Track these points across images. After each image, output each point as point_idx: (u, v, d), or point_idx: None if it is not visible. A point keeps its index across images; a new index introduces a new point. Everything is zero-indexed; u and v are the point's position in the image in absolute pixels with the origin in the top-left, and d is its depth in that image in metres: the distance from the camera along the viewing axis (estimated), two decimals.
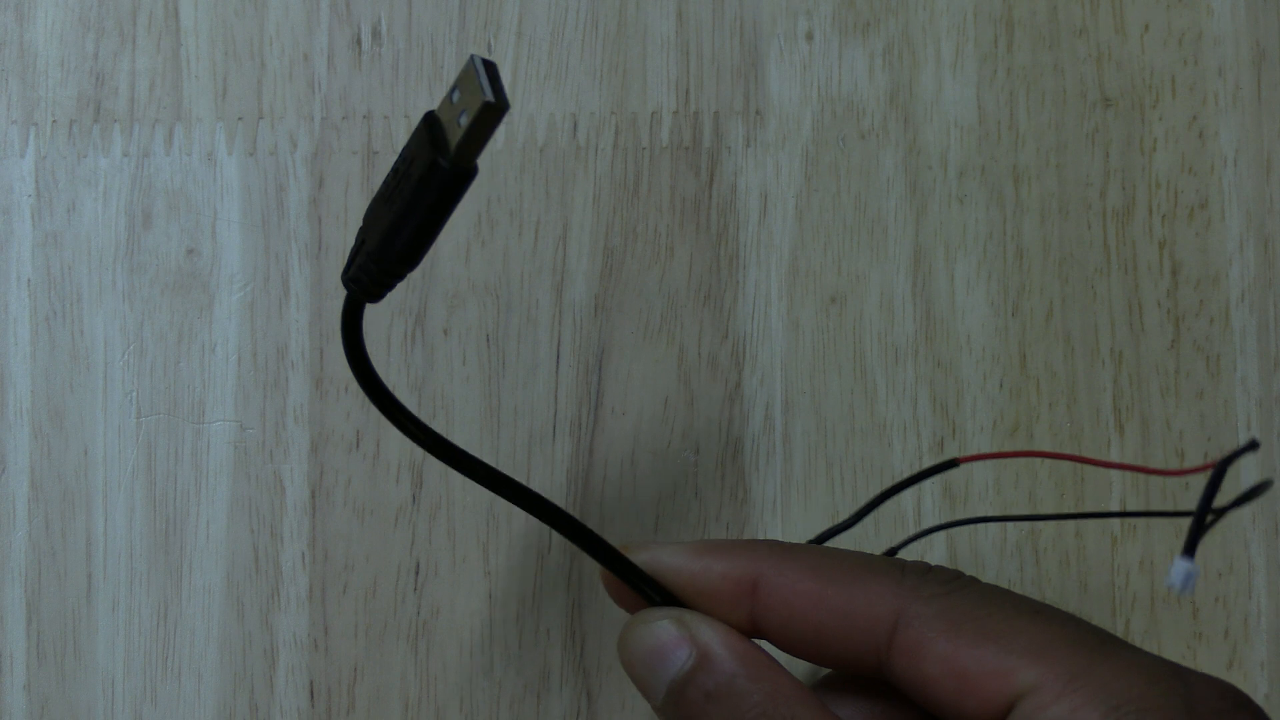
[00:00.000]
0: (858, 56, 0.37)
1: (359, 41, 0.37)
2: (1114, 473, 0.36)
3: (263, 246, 0.36)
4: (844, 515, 0.36)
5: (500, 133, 0.37)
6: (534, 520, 0.35)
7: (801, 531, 0.36)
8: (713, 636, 0.29)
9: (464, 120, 0.27)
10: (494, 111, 0.26)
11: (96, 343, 0.36)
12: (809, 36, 0.37)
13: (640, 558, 0.30)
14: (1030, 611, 0.28)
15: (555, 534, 0.35)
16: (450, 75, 0.37)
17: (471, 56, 0.26)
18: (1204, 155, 0.37)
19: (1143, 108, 0.37)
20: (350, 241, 0.36)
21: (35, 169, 0.36)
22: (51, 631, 0.35)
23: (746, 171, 0.37)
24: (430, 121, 0.27)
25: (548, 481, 0.36)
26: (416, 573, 0.35)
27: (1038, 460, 0.36)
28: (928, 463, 0.36)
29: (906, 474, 0.36)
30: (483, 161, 0.37)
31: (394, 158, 0.37)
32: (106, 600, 0.35)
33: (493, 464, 0.36)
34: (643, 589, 0.29)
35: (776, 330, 0.36)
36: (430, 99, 0.37)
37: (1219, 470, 0.26)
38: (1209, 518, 0.26)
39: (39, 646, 0.35)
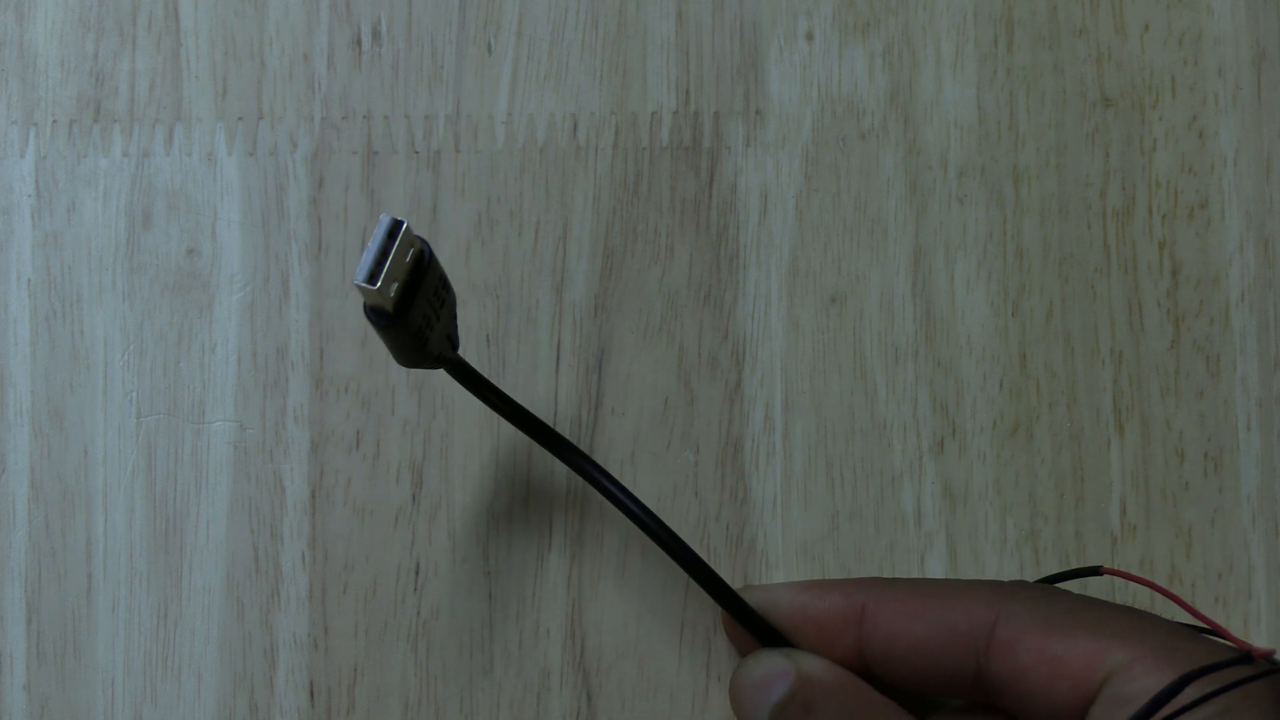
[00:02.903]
0: (858, 56, 0.37)
1: (359, 41, 0.37)
2: (1114, 475, 0.36)
3: (263, 246, 0.36)
4: (844, 515, 0.36)
5: (500, 132, 0.37)
6: (534, 520, 0.36)
7: (801, 531, 0.36)
8: (815, 664, 0.31)
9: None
10: (362, 291, 0.29)
11: (96, 343, 0.36)
12: (809, 36, 0.37)
13: (753, 598, 0.33)
14: (1123, 609, 0.29)
15: (555, 534, 0.35)
16: (450, 75, 0.37)
17: (381, 219, 0.29)
18: (1204, 155, 0.37)
19: (1143, 108, 0.37)
20: (350, 241, 0.36)
21: (35, 169, 0.36)
22: (51, 631, 0.35)
23: (746, 171, 0.37)
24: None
25: (548, 482, 0.36)
26: (416, 573, 0.35)
27: (1037, 461, 0.36)
28: (928, 463, 0.36)
29: (906, 474, 0.36)
30: (483, 161, 0.37)
31: (394, 157, 0.37)
32: (106, 600, 0.35)
33: (492, 465, 0.36)
34: (754, 628, 0.32)
35: (776, 330, 0.36)
36: (430, 99, 0.37)
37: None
38: None
39: (39, 646, 0.35)
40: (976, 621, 0.30)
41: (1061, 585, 0.33)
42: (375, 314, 0.29)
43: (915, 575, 0.35)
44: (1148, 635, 0.28)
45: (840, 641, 0.32)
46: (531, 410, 0.36)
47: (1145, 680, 0.27)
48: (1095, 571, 0.34)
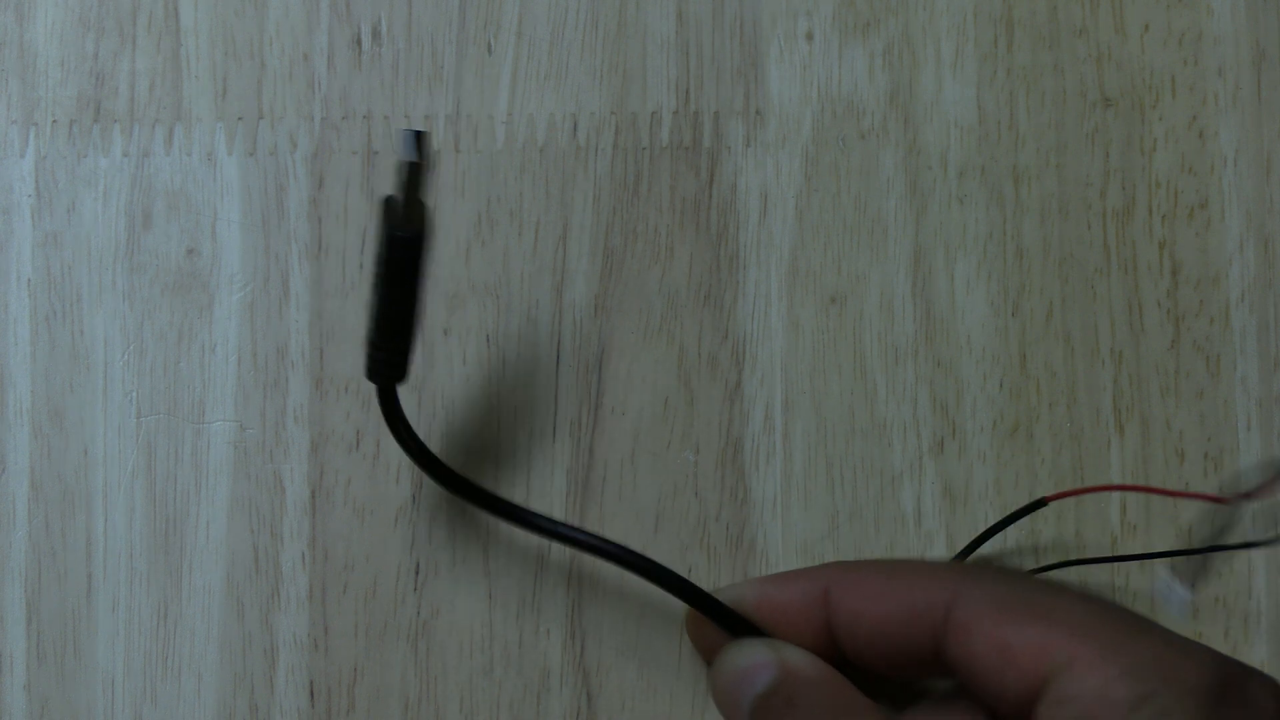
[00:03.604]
0: (858, 56, 0.37)
1: (359, 41, 0.37)
2: (1114, 475, 0.36)
3: (263, 246, 0.36)
4: (844, 515, 0.36)
5: (500, 132, 0.37)
6: None
7: (801, 532, 0.36)
8: (799, 657, 0.31)
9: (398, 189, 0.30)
10: (414, 169, 0.29)
11: (96, 343, 0.36)
12: (809, 36, 0.37)
13: (721, 597, 0.33)
14: (1079, 597, 0.29)
15: None
16: (450, 75, 0.37)
17: (401, 131, 0.28)
18: (1204, 155, 0.37)
19: (1143, 108, 0.37)
20: (350, 241, 0.36)
21: (35, 169, 0.36)
22: (51, 631, 0.35)
23: (746, 171, 0.37)
24: (385, 203, 0.30)
25: (547, 481, 0.36)
26: (416, 573, 0.35)
27: (1037, 461, 0.36)
28: (928, 463, 0.36)
29: (906, 474, 0.36)
30: (483, 161, 0.37)
31: (394, 157, 0.37)
32: (106, 600, 0.35)
33: (493, 464, 0.36)
34: (727, 622, 0.32)
35: (776, 330, 0.36)
36: (430, 99, 0.37)
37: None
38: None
39: (39, 646, 0.35)
40: (934, 602, 0.30)
41: (1018, 520, 0.33)
42: (407, 223, 0.29)
43: None
44: (1097, 629, 0.28)
45: (809, 627, 0.31)
46: (529, 409, 0.36)
47: (1087, 680, 0.27)
48: (1042, 504, 0.34)
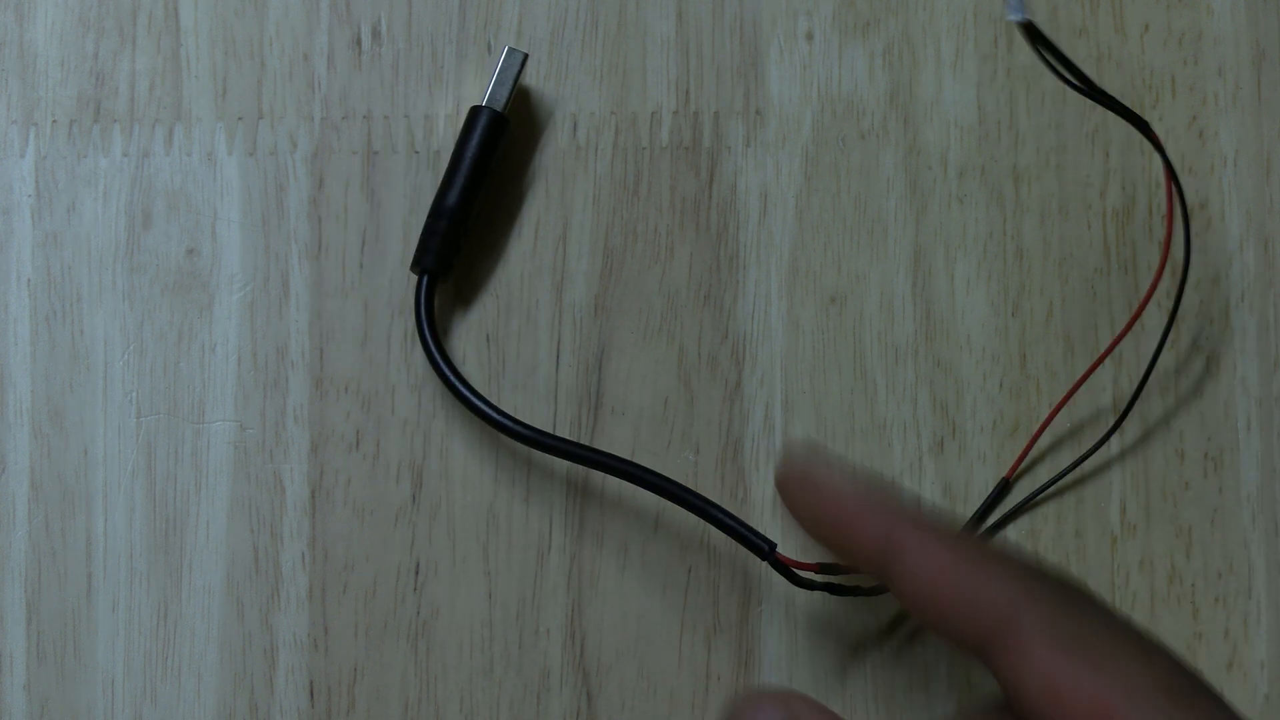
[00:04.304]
0: (858, 56, 0.37)
1: (359, 41, 0.37)
2: (1114, 475, 0.36)
3: (263, 246, 0.36)
4: None
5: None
6: (534, 520, 0.36)
7: (802, 531, 0.36)
8: (807, 713, 0.30)
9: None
10: (514, 55, 0.35)
11: (96, 343, 0.36)
12: (809, 36, 0.37)
13: (810, 473, 0.31)
14: (1140, 644, 0.28)
15: (555, 534, 0.35)
16: (450, 75, 0.37)
17: (508, 50, 0.36)
18: (1204, 155, 0.37)
19: (1143, 108, 0.37)
20: (350, 241, 0.36)
21: (35, 169, 0.36)
22: (51, 631, 0.35)
23: (746, 171, 0.37)
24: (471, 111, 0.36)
25: (547, 480, 0.36)
26: (416, 573, 0.35)
27: (1037, 460, 0.36)
28: (928, 463, 0.36)
29: (906, 474, 0.36)
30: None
31: (394, 157, 0.37)
32: (106, 600, 0.35)
33: (492, 465, 0.36)
34: (747, 539, 0.34)
35: (776, 330, 0.36)
36: (430, 99, 0.37)
37: None
38: None
39: (39, 646, 0.35)
40: (992, 604, 0.29)
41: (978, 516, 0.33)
42: (492, 112, 0.35)
43: None
44: (1152, 696, 0.27)
45: (862, 550, 0.31)
46: (529, 409, 0.36)
47: None
48: (1004, 484, 0.35)
